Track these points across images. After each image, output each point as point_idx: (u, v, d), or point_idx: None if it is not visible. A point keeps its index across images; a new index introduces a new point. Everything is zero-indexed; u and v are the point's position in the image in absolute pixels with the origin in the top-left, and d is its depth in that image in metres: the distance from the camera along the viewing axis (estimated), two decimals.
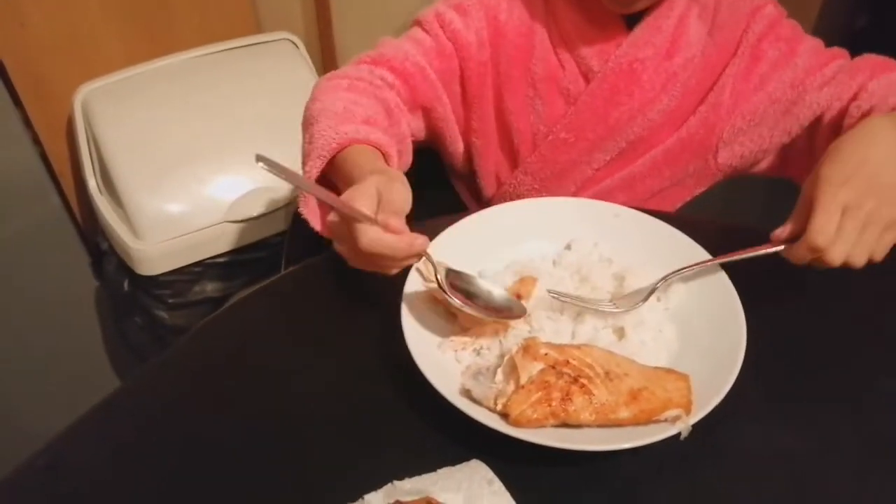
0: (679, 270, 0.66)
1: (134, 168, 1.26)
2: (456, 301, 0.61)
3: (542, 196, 0.89)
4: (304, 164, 0.70)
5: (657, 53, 0.80)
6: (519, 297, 0.65)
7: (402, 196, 0.60)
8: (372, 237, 0.57)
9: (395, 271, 0.62)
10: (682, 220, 0.73)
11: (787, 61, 0.80)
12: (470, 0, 0.82)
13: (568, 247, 0.72)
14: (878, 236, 0.60)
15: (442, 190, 1.00)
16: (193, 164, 1.29)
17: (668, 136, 0.84)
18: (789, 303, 0.70)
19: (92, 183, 1.34)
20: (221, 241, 1.30)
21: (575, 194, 0.88)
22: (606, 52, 0.80)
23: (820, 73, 0.79)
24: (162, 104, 1.35)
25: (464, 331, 0.64)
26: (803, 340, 0.67)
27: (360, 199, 0.58)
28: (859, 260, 0.60)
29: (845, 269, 0.61)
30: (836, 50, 0.81)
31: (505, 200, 0.90)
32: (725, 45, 0.82)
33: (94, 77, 1.38)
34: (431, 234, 0.68)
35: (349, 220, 0.58)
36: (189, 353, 0.70)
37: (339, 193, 0.66)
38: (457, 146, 0.88)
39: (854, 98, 0.75)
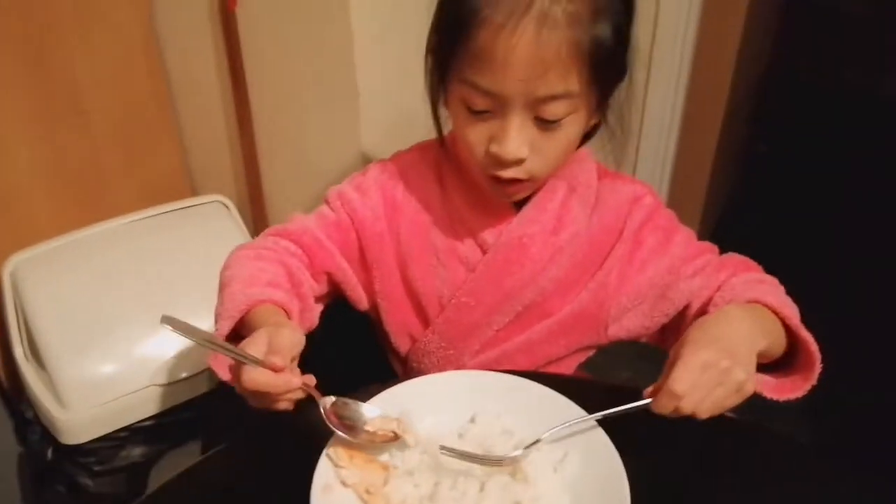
0: (554, 428, 0.72)
1: (61, 336, 1.28)
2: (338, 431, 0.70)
3: (450, 354, 0.95)
4: (215, 324, 0.78)
5: (543, 229, 0.89)
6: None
7: (289, 339, 0.67)
8: (250, 376, 0.65)
9: (283, 406, 0.69)
10: (581, 384, 0.79)
11: (664, 249, 0.90)
12: (369, 182, 0.93)
13: (472, 420, 0.76)
14: (725, 396, 0.68)
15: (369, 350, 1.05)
16: (121, 330, 1.31)
17: (561, 305, 0.92)
18: (676, 459, 0.76)
19: (18, 351, 1.35)
20: (147, 405, 1.31)
21: (479, 353, 0.95)
22: (498, 228, 0.89)
23: (692, 264, 0.89)
24: (92, 271, 1.38)
25: None
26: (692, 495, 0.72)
27: (249, 345, 0.67)
28: (705, 413, 0.68)
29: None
30: (705, 244, 0.93)
31: (419, 356, 0.97)
32: (609, 227, 0.91)
33: (24, 245, 1.41)
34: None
35: (240, 364, 0.66)
36: None
37: None
38: (363, 305, 0.97)
39: (718, 289, 0.85)
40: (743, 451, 0.79)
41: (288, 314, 0.78)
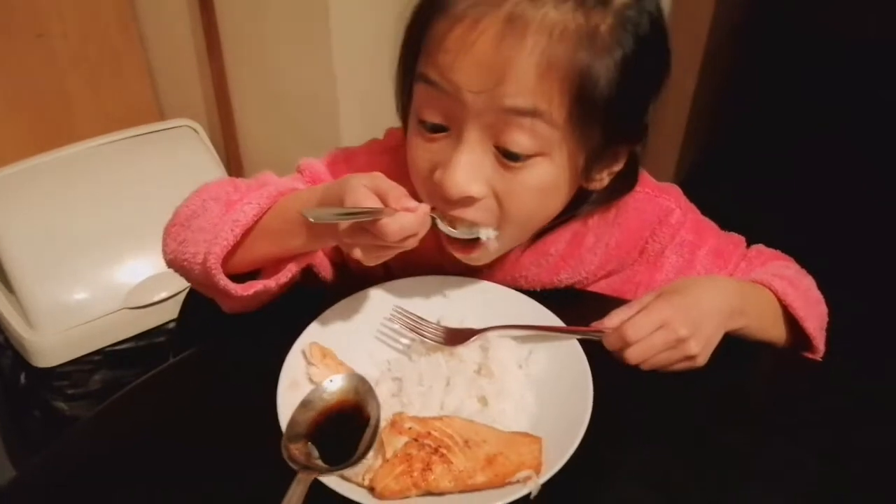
0: (505, 327, 0.73)
1: (29, 259, 1.27)
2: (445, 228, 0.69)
3: None
4: (207, 246, 0.69)
5: (542, 271, 0.82)
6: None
7: (384, 177, 0.62)
8: (402, 225, 0.60)
9: (413, 243, 0.63)
10: (557, 294, 0.79)
11: (689, 269, 0.84)
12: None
13: (438, 322, 0.77)
14: (671, 361, 0.68)
15: None
16: (91, 253, 1.30)
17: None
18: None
19: None
20: (121, 329, 1.31)
21: None
22: (490, 267, 0.80)
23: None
24: (59, 194, 1.36)
25: None
26: (650, 400, 0.72)
27: (364, 199, 0.60)
28: (648, 367, 0.68)
29: None
30: (731, 245, 0.86)
31: None
32: (629, 249, 0.84)
33: None
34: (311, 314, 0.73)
35: (363, 225, 0.60)
36: (75, 448, 0.71)
37: (242, 263, 0.71)
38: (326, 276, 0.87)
39: None
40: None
41: None
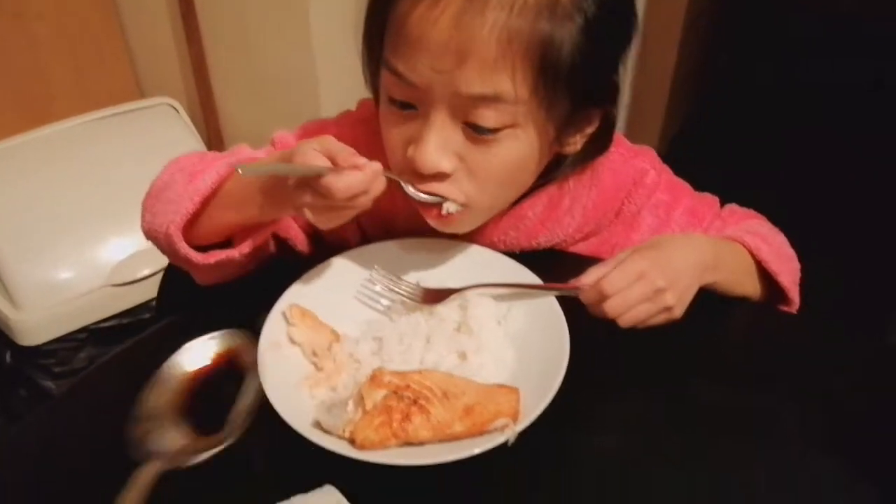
0: (483, 285, 0.74)
1: (11, 238, 1.26)
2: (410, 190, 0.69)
3: None
4: (170, 216, 0.70)
5: (521, 235, 0.83)
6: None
7: (334, 139, 0.62)
8: (349, 183, 0.59)
9: (365, 202, 0.63)
10: (535, 256, 0.80)
11: (664, 229, 0.85)
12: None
13: (417, 283, 0.78)
14: (649, 314, 0.68)
15: None
16: (74, 231, 1.30)
17: None
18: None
19: None
20: (105, 306, 1.31)
21: None
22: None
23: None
24: (41, 173, 1.36)
25: (318, 371, 0.69)
26: (626, 353, 0.74)
27: (313, 158, 0.60)
28: (627, 322, 0.68)
29: None
30: (705, 205, 0.87)
31: None
32: (605, 210, 0.85)
33: None
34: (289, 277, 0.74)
35: (312, 184, 0.60)
36: (51, 421, 0.71)
37: (209, 233, 0.71)
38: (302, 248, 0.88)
39: None
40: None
41: None
